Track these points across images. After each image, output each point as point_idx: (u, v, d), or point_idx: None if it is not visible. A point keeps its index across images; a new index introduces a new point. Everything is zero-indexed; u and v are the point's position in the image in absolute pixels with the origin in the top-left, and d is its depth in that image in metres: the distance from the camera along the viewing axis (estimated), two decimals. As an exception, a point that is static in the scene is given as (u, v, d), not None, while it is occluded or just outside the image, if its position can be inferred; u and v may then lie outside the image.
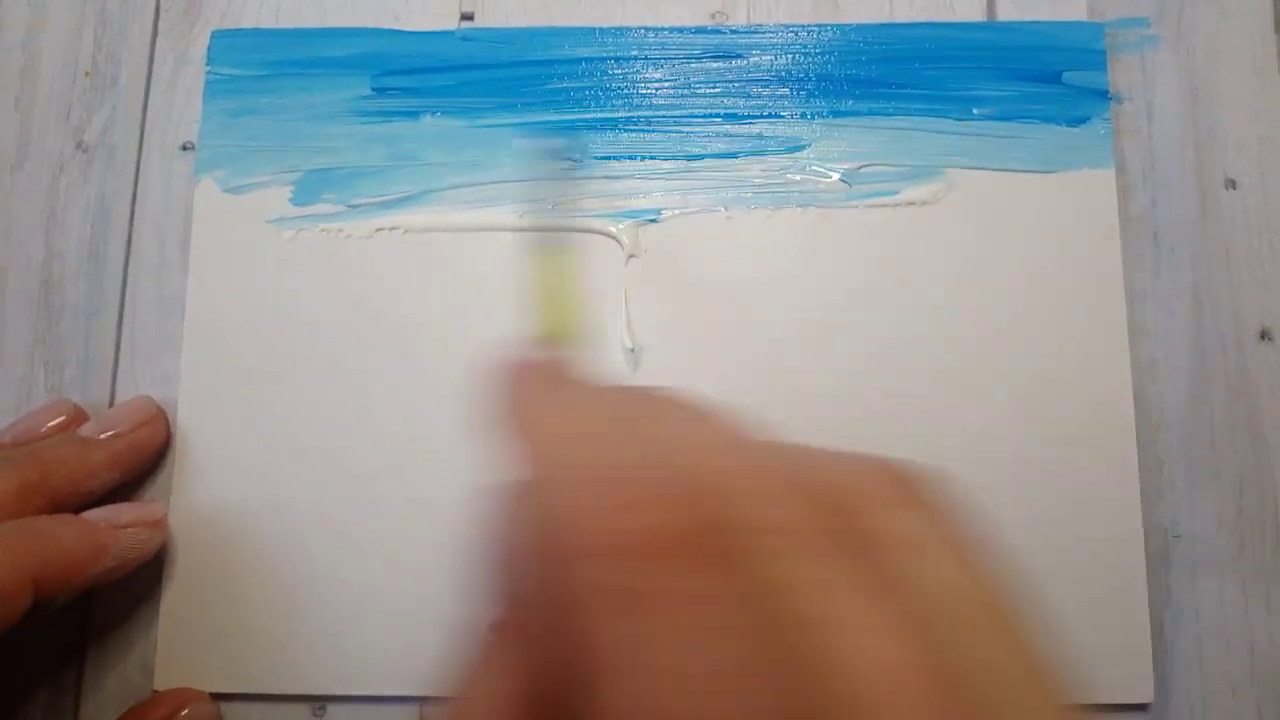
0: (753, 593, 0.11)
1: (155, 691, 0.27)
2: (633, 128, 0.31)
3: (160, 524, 0.27)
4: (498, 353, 0.19)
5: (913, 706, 0.10)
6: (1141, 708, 0.27)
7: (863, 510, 0.13)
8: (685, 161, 0.31)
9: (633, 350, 0.29)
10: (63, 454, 0.26)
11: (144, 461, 0.28)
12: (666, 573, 0.12)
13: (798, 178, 0.30)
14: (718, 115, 0.31)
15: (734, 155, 0.31)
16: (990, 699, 0.11)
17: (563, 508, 0.13)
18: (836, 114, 0.31)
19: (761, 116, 0.31)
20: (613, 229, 0.30)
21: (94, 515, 0.26)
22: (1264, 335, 0.30)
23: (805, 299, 0.30)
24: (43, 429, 0.27)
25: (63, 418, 0.28)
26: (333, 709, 0.28)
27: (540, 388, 0.17)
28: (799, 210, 0.30)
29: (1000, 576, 0.13)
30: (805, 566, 0.12)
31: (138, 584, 0.28)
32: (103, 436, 0.27)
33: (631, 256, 0.30)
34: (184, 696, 0.27)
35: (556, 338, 0.22)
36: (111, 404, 0.30)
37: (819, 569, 0.12)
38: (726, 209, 0.30)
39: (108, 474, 0.27)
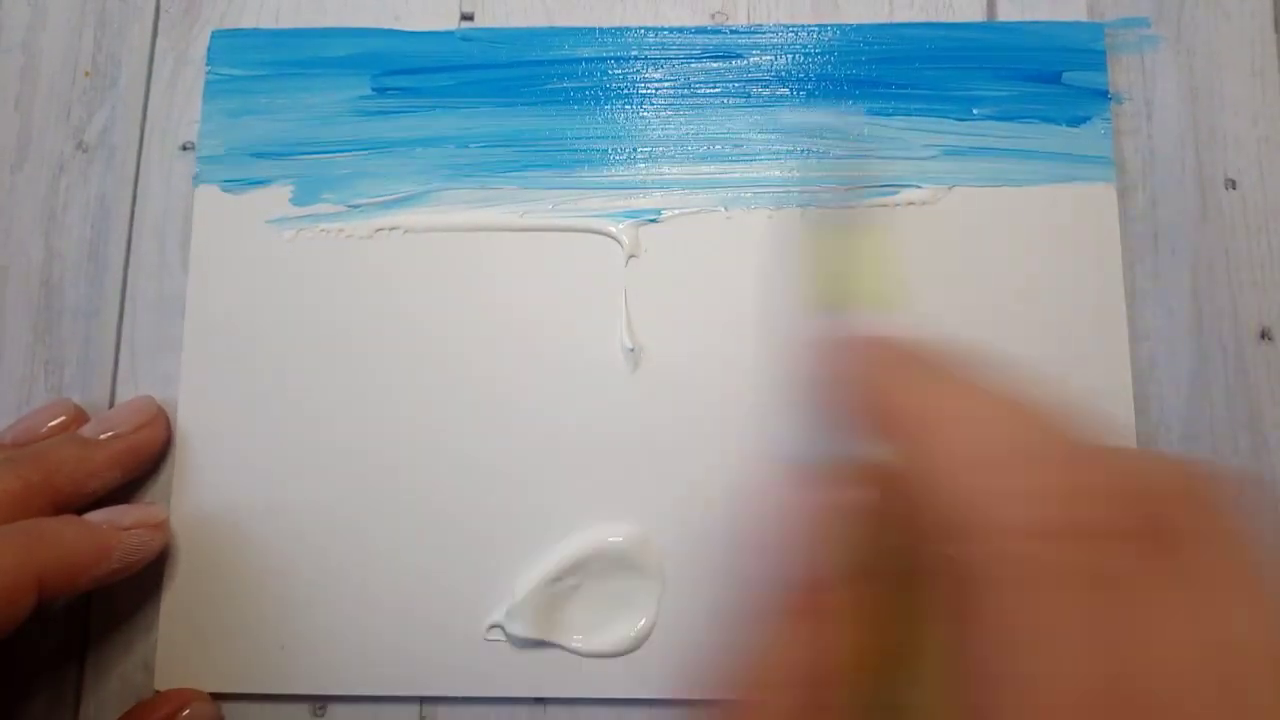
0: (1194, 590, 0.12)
1: (156, 691, 0.27)
2: (634, 129, 0.31)
3: (162, 526, 0.27)
4: (830, 331, 0.18)
5: None
6: (1141, 708, 0.27)
7: (1186, 514, 0.13)
8: (687, 164, 0.31)
9: (633, 350, 0.29)
10: (64, 454, 0.26)
11: (145, 462, 0.28)
12: (1120, 556, 0.12)
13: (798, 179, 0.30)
14: (719, 114, 0.31)
15: (736, 158, 0.31)
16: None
17: (979, 489, 0.13)
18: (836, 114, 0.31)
19: (762, 116, 0.31)
20: (613, 229, 0.30)
21: (96, 517, 0.26)
22: (1264, 335, 0.30)
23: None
24: (43, 429, 0.27)
25: (63, 418, 0.28)
26: (333, 709, 0.28)
27: (915, 367, 0.16)
28: (799, 210, 0.30)
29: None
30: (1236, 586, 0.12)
31: (138, 584, 0.28)
32: (103, 437, 0.27)
33: (632, 256, 0.30)
34: (185, 696, 0.27)
35: (874, 306, 0.21)
36: (112, 404, 0.30)
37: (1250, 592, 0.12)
38: (727, 209, 0.30)
39: (109, 474, 0.27)
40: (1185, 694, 0.11)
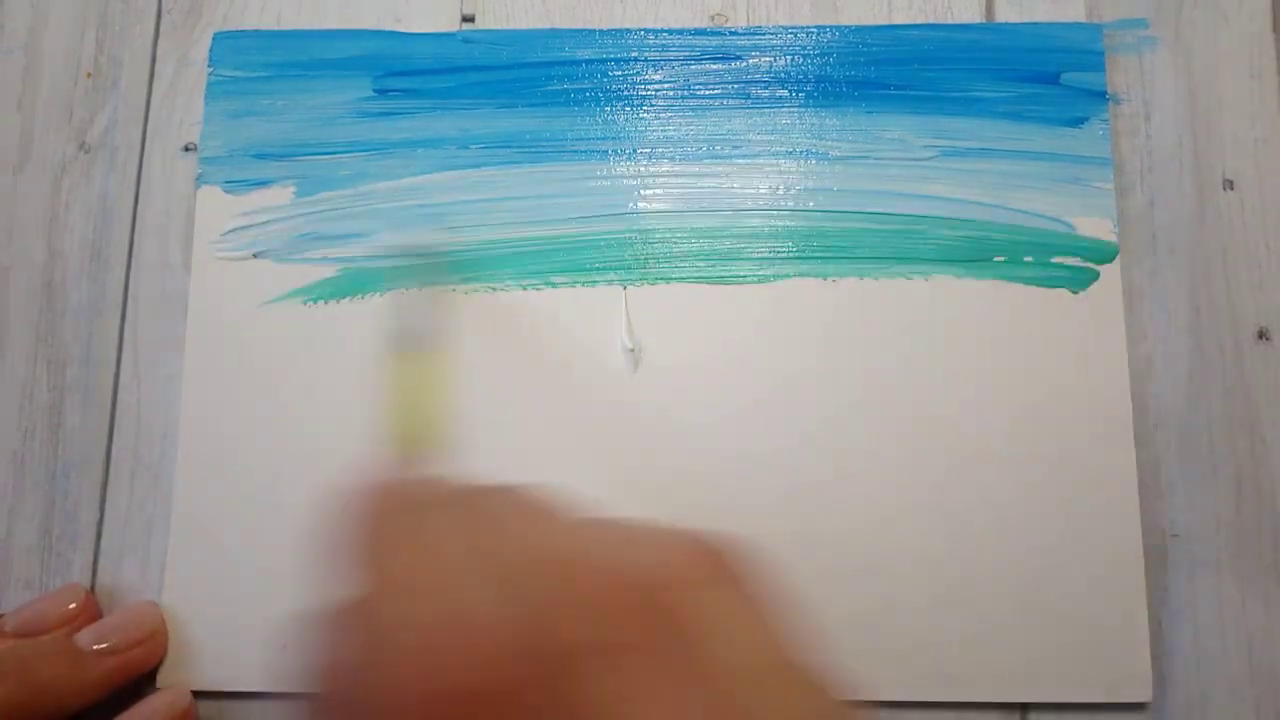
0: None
1: (157, 689, 0.28)
2: (634, 130, 0.31)
3: (189, 713, 0.27)
4: (352, 475, 0.18)
5: None
6: (1140, 707, 0.28)
7: (677, 594, 0.14)
8: (687, 165, 0.31)
9: (632, 350, 0.29)
10: (55, 671, 0.25)
11: (135, 679, 0.27)
12: None
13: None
14: (718, 116, 0.31)
15: (736, 158, 0.31)
16: None
17: (395, 649, 0.14)
18: (836, 115, 0.31)
19: (761, 118, 0.31)
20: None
21: None
22: (1262, 335, 0.30)
23: (806, 297, 0.30)
24: (51, 618, 0.27)
25: (73, 606, 0.27)
26: (334, 708, 0.28)
27: (386, 516, 0.17)
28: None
29: (799, 645, 0.15)
30: (623, 679, 0.13)
31: (140, 583, 0.29)
32: (97, 648, 0.26)
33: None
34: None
35: (413, 451, 0.22)
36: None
37: (637, 677, 0.13)
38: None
39: (96, 693, 0.26)
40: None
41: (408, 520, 0.17)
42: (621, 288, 0.30)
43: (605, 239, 0.30)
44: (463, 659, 0.13)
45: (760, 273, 0.30)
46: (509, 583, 0.14)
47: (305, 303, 0.30)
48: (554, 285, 0.30)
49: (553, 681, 0.13)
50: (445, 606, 0.14)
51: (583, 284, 0.30)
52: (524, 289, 0.30)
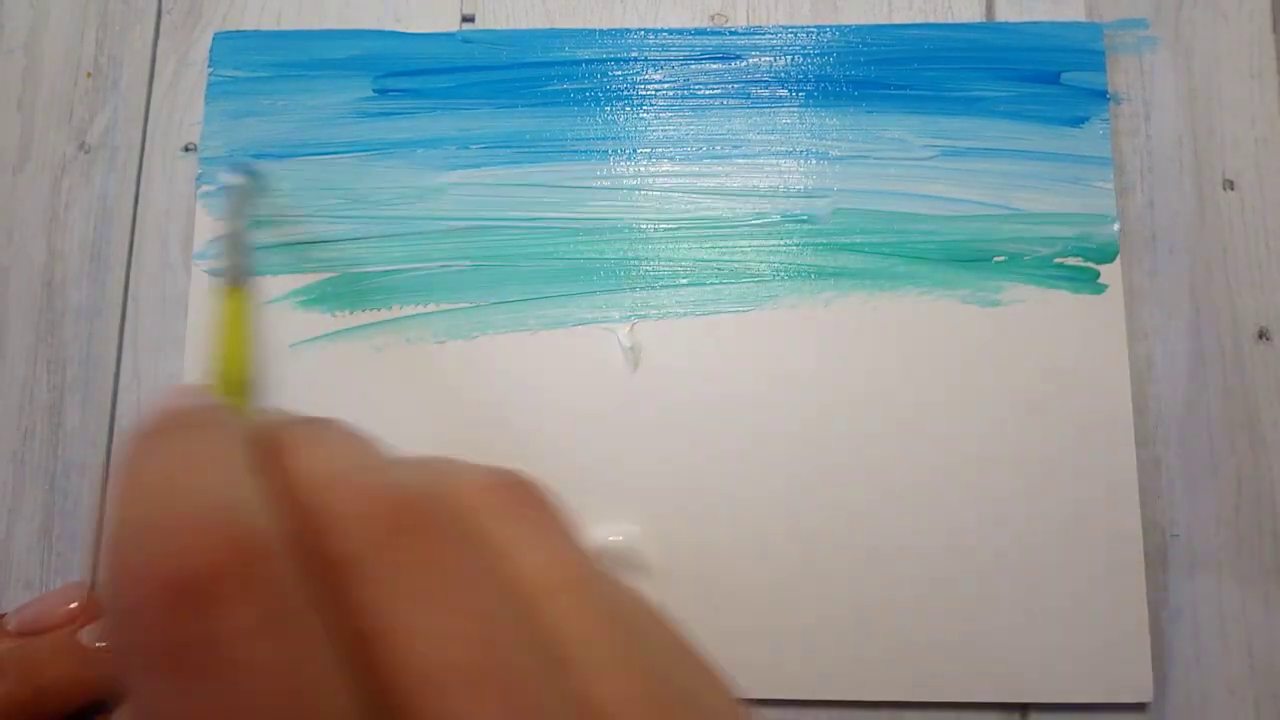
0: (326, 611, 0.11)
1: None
2: (634, 130, 0.31)
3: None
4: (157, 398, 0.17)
5: (479, 693, 0.11)
6: (1140, 707, 0.28)
7: (469, 517, 0.14)
8: (687, 165, 0.31)
9: (630, 348, 0.29)
10: (58, 671, 0.25)
11: None
12: (214, 614, 0.11)
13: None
14: (718, 115, 0.31)
15: (736, 158, 0.31)
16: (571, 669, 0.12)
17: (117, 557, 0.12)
18: (836, 114, 0.31)
19: (761, 117, 0.31)
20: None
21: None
22: (1262, 335, 0.30)
23: (806, 296, 0.30)
24: (53, 617, 0.27)
25: (75, 605, 0.27)
26: (334, 708, 0.28)
27: (160, 433, 0.15)
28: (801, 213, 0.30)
29: (600, 563, 0.14)
30: (381, 584, 0.12)
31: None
32: (101, 646, 0.26)
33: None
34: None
35: (226, 391, 0.21)
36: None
37: (399, 580, 0.12)
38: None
39: (99, 692, 0.26)
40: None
41: (177, 436, 0.15)
42: (623, 290, 0.30)
43: (608, 237, 0.30)
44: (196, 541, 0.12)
45: (760, 272, 0.30)
46: (273, 492, 0.13)
47: (304, 304, 0.30)
48: (555, 297, 0.30)
49: (326, 586, 0.12)
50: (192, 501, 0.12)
51: (582, 293, 0.30)
52: (530, 300, 0.30)
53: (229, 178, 0.28)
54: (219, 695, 0.11)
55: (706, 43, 0.31)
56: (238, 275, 0.24)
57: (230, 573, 0.11)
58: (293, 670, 0.11)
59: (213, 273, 0.26)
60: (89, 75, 0.32)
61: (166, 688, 0.11)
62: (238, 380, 0.21)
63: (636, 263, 0.30)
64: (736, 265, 0.30)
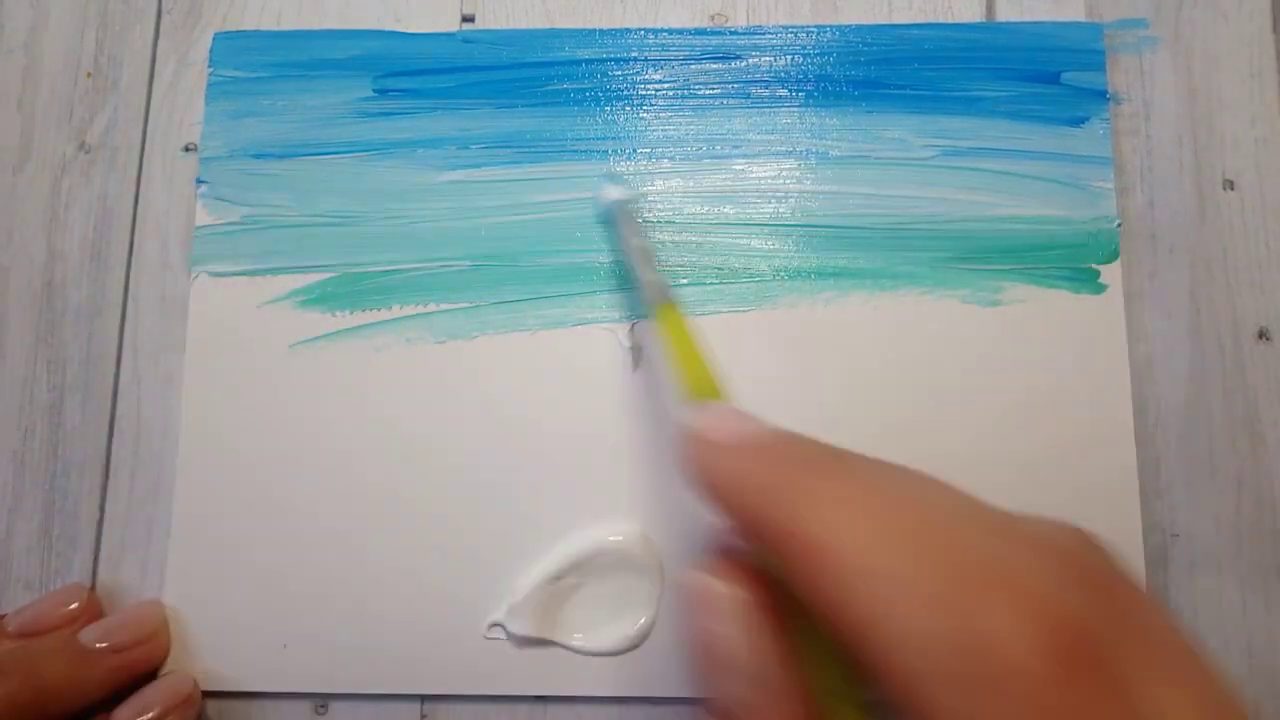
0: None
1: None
2: (634, 130, 0.31)
3: (193, 699, 0.27)
4: (707, 429, 0.17)
5: None
6: (1140, 706, 0.28)
7: (1126, 629, 0.13)
8: (687, 165, 0.31)
9: (630, 348, 0.29)
10: (57, 672, 0.25)
11: (138, 679, 0.27)
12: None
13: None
14: (718, 115, 0.31)
15: (736, 158, 0.31)
16: None
17: (886, 599, 0.12)
18: (836, 114, 0.31)
19: (762, 118, 0.31)
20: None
21: (124, 715, 0.26)
22: (1262, 335, 0.30)
23: (805, 296, 0.30)
24: (53, 618, 0.27)
25: (75, 605, 0.27)
26: (335, 707, 0.28)
27: (788, 463, 0.16)
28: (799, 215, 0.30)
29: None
30: (1162, 688, 0.12)
31: (141, 583, 0.29)
32: (100, 646, 0.26)
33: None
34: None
35: (707, 398, 0.22)
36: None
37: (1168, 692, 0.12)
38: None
39: (100, 693, 0.26)
40: None
41: (831, 465, 0.16)
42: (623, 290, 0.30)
43: (608, 236, 0.30)
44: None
45: (760, 272, 0.30)
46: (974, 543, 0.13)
47: (304, 304, 0.30)
48: (555, 297, 0.30)
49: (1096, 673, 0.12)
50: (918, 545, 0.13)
51: (582, 294, 0.30)
52: (530, 300, 0.30)
53: (611, 191, 0.29)
54: None
55: (706, 43, 0.32)
56: (663, 290, 0.25)
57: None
58: None
59: (643, 299, 0.27)
60: (89, 75, 0.32)
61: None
62: (711, 387, 0.22)
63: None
64: (736, 265, 0.30)
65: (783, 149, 0.31)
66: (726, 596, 0.15)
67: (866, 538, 0.13)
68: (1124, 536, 0.28)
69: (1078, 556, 0.13)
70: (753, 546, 0.16)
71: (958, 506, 0.13)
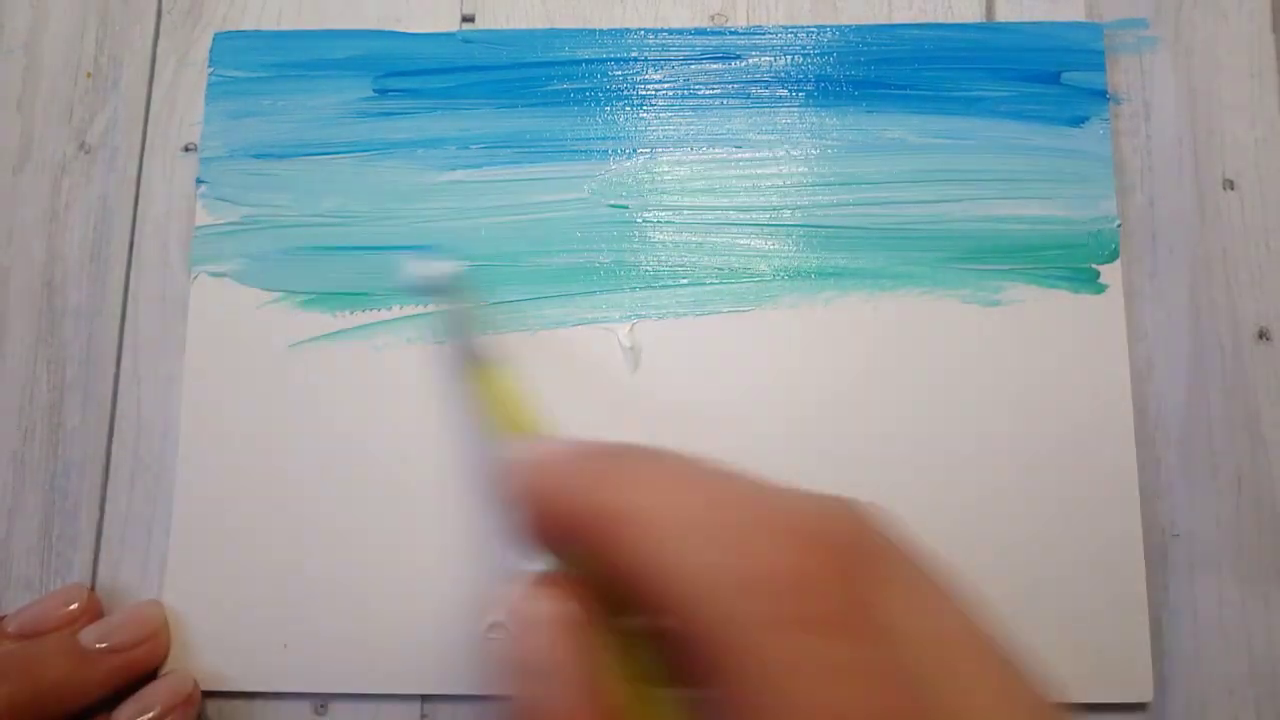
0: (881, 639, 0.14)
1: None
2: (634, 130, 0.31)
3: (193, 699, 0.27)
4: (511, 454, 0.20)
5: None
6: (1140, 707, 0.28)
7: (872, 563, 0.16)
8: (687, 165, 0.31)
9: (630, 348, 0.29)
10: (57, 673, 0.25)
11: (138, 679, 0.27)
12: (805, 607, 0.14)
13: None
14: (719, 115, 0.31)
15: (735, 158, 0.31)
16: None
17: (689, 548, 0.15)
18: (836, 114, 0.31)
19: (762, 117, 0.31)
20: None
21: (125, 714, 0.26)
22: (1262, 335, 0.30)
23: (805, 296, 0.30)
24: (53, 618, 0.27)
25: (75, 606, 0.27)
26: (335, 707, 0.28)
27: (604, 461, 0.18)
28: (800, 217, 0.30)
29: (975, 608, 0.16)
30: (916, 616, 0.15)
31: (141, 583, 0.29)
32: (99, 647, 0.26)
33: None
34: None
35: (520, 435, 0.23)
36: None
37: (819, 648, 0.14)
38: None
39: (99, 693, 0.26)
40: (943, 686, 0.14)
41: (629, 459, 0.18)
42: (623, 290, 0.30)
43: (608, 236, 0.30)
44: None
45: (760, 272, 0.30)
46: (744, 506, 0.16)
47: (304, 304, 0.30)
48: (555, 297, 0.30)
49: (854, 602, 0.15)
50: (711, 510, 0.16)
51: (582, 294, 0.30)
52: (530, 300, 0.30)
53: (428, 268, 0.28)
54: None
55: (706, 43, 0.32)
56: (476, 352, 0.26)
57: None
58: None
59: (456, 356, 0.28)
60: (89, 75, 0.32)
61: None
62: (530, 424, 0.24)
63: (636, 263, 0.30)
64: (736, 265, 0.30)
65: (783, 149, 0.31)
66: (541, 609, 0.18)
67: (673, 504, 0.16)
68: (1124, 536, 0.28)
69: (840, 515, 0.17)
70: (565, 555, 0.18)
71: (746, 483, 0.17)
